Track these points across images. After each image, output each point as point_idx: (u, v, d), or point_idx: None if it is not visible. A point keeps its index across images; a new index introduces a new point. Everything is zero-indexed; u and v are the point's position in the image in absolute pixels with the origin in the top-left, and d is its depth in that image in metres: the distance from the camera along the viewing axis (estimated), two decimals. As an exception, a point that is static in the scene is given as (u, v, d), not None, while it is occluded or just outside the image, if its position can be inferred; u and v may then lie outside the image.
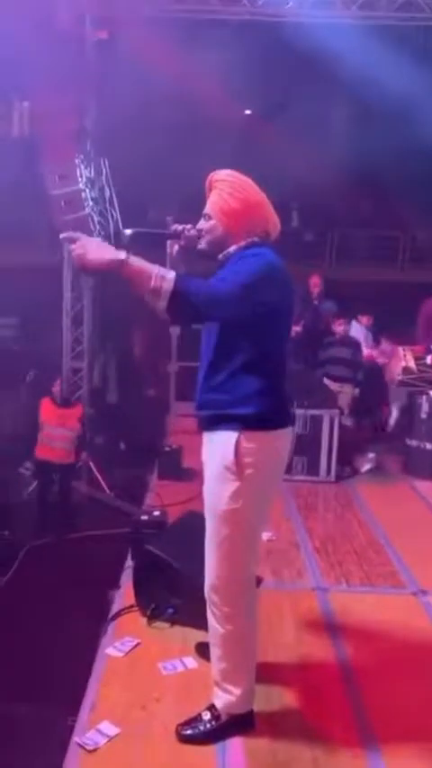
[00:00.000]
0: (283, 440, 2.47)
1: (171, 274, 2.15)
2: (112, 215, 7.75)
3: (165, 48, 8.63)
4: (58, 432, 7.28)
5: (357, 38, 7.71)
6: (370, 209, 13.74)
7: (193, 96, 10.66)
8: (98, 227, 7.61)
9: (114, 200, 7.79)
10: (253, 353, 2.36)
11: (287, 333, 2.55)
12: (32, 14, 7.06)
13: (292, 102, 10.96)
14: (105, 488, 7.93)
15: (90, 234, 7.56)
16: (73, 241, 2.18)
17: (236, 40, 9.12)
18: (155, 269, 2.15)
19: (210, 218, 2.45)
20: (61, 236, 2.25)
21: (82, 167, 7.36)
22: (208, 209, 2.46)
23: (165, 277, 2.13)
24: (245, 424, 2.35)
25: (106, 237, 7.68)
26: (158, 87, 10.58)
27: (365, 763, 2.45)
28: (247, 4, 7.55)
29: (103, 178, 7.77)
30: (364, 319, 8.11)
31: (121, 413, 9.84)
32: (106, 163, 7.80)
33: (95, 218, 7.55)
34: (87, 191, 7.40)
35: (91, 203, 7.46)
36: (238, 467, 2.35)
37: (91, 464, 8.14)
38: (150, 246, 2.51)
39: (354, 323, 7.89)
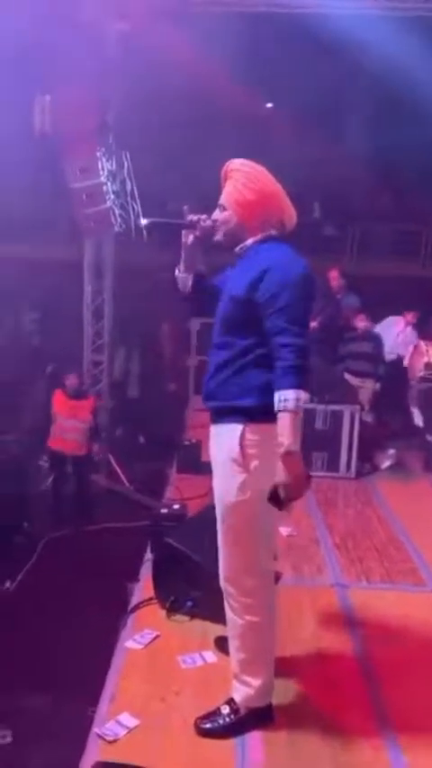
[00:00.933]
0: None
1: (292, 395, 2.20)
2: (133, 208, 7.74)
3: (185, 40, 8.60)
4: (69, 423, 7.35)
5: (380, 29, 7.60)
6: (392, 204, 13.60)
7: (214, 89, 10.62)
8: (119, 220, 7.61)
9: (136, 192, 7.78)
10: (263, 348, 2.35)
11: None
12: (54, 8, 7.07)
13: (313, 93, 10.86)
14: (125, 481, 7.97)
15: (110, 227, 7.58)
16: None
17: (256, 32, 9.06)
18: (291, 417, 2.20)
19: (224, 208, 2.44)
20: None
21: (103, 160, 7.36)
22: (223, 199, 2.45)
23: (299, 399, 2.20)
24: (249, 416, 2.36)
25: (127, 230, 7.69)
26: (179, 80, 10.56)
27: (385, 758, 2.43)
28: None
29: (125, 171, 7.77)
30: (410, 316, 7.96)
31: (142, 406, 9.88)
32: (128, 156, 7.79)
33: (116, 212, 7.56)
34: (109, 184, 7.40)
35: (112, 196, 7.46)
36: (243, 459, 2.36)
37: (110, 457, 8.19)
38: (166, 236, 2.51)
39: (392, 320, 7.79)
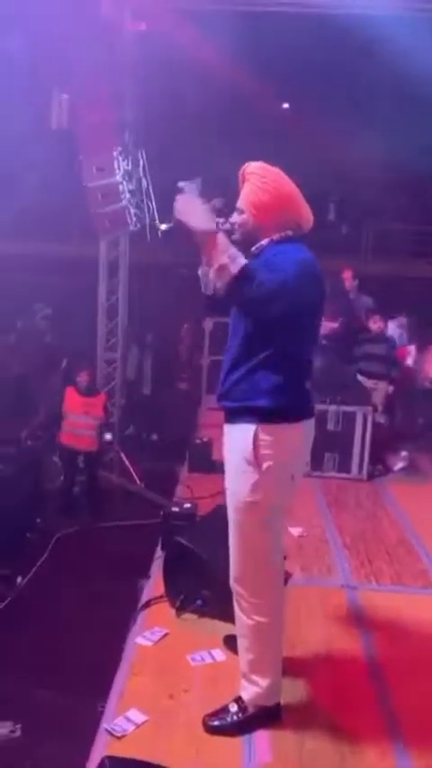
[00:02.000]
0: (301, 432, 2.47)
1: (241, 259, 2.24)
2: (148, 207, 7.76)
3: (203, 40, 8.61)
4: (82, 420, 7.42)
5: (397, 27, 7.56)
6: (408, 204, 13.54)
7: (231, 89, 10.62)
8: (134, 219, 7.64)
9: (151, 192, 7.80)
10: (276, 349, 2.37)
11: (314, 330, 2.54)
12: (73, 8, 7.10)
13: (330, 93, 10.84)
14: (136, 479, 8.01)
15: (126, 226, 7.62)
16: (180, 191, 2.32)
17: (273, 32, 9.04)
18: (233, 250, 2.24)
19: (242, 211, 2.45)
20: (180, 184, 2.39)
21: (120, 159, 7.39)
22: (240, 202, 2.46)
23: (236, 260, 2.22)
24: (262, 417, 2.37)
25: (142, 229, 7.72)
26: (196, 80, 10.57)
27: (392, 760, 2.44)
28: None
29: (141, 170, 7.79)
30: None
31: (154, 405, 9.91)
32: (144, 155, 7.81)
33: (132, 211, 7.58)
34: (125, 183, 7.43)
35: (128, 195, 7.48)
36: (256, 459, 2.37)
37: (122, 455, 8.22)
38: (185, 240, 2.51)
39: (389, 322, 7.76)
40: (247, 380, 2.40)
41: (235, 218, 2.47)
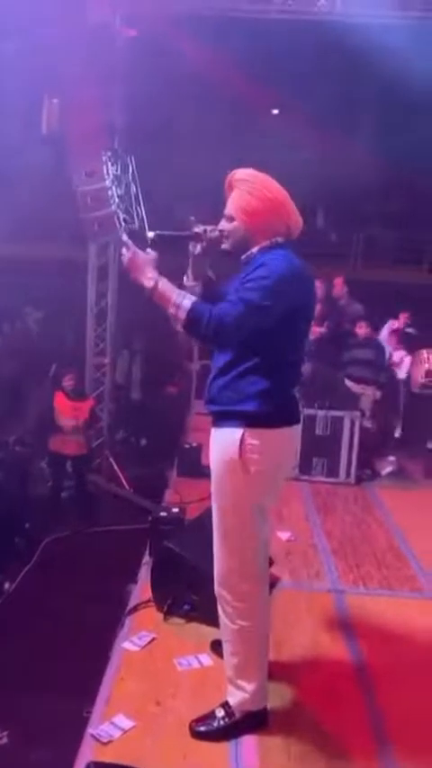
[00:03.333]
0: (287, 437, 2.48)
1: (187, 303, 2.29)
2: (137, 212, 7.77)
3: (193, 46, 8.65)
4: (71, 424, 7.40)
5: (389, 33, 7.61)
6: (397, 211, 13.64)
7: (221, 94, 10.67)
8: (123, 224, 7.64)
9: (140, 197, 7.81)
10: (264, 355, 2.38)
11: (302, 335, 2.54)
12: (63, 12, 7.11)
13: (321, 99, 10.90)
14: (125, 484, 7.98)
15: (115, 231, 7.61)
16: (127, 247, 2.38)
17: (263, 38, 9.09)
18: (175, 297, 2.31)
19: (232, 218, 2.45)
20: (124, 237, 2.46)
21: (109, 164, 7.39)
22: (229, 209, 2.46)
23: (180, 306, 2.29)
24: (249, 421, 2.37)
25: (131, 235, 7.72)
26: (186, 85, 10.61)
27: (379, 763, 2.44)
28: (277, 2, 7.51)
29: (130, 175, 7.79)
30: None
31: (143, 410, 9.90)
32: (133, 160, 7.82)
33: (121, 216, 7.58)
34: (114, 188, 7.42)
35: (117, 200, 7.48)
36: (242, 463, 2.37)
37: (111, 460, 8.20)
38: (174, 247, 2.52)
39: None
40: (234, 385, 2.41)
41: (223, 225, 2.47)
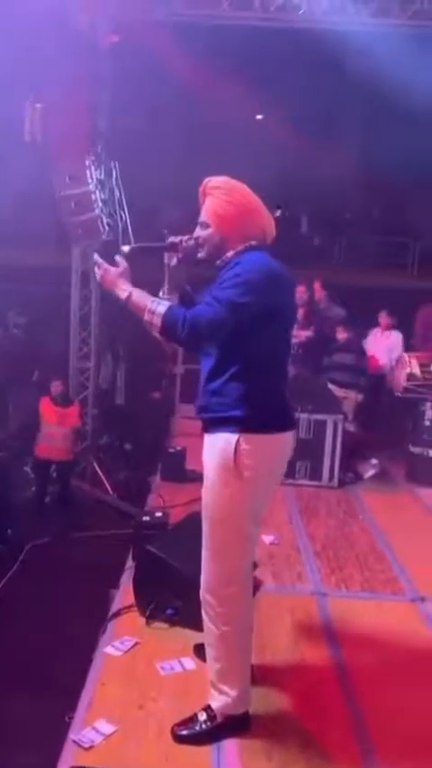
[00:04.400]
0: (282, 443, 2.49)
1: (161, 308, 2.32)
2: (121, 217, 7.78)
3: (176, 51, 8.68)
4: (58, 430, 7.38)
5: (370, 41, 7.70)
6: (379, 215, 13.76)
7: (205, 100, 10.71)
8: (107, 228, 7.65)
9: (124, 201, 7.83)
10: (251, 357, 2.38)
11: (286, 335, 2.56)
12: (46, 17, 7.11)
13: (304, 106, 10.99)
14: (108, 489, 7.97)
15: (99, 235, 7.62)
16: (98, 265, 2.44)
17: (248, 45, 9.16)
18: (150, 304, 2.35)
19: (207, 225, 2.47)
20: (95, 257, 2.51)
21: (93, 169, 7.40)
22: (203, 216, 2.48)
23: (155, 312, 2.33)
24: (244, 426, 2.37)
25: (115, 238, 7.73)
26: (170, 90, 10.64)
27: (361, 766, 2.45)
28: (259, 9, 7.57)
29: (113, 180, 7.81)
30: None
31: (127, 414, 9.88)
32: (116, 165, 7.84)
33: (104, 220, 7.59)
34: (97, 192, 7.44)
35: (101, 205, 7.49)
36: (236, 468, 2.37)
37: (95, 464, 8.18)
38: (149, 258, 2.55)
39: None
40: (224, 390, 2.41)
41: (198, 232, 2.49)
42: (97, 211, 7.44)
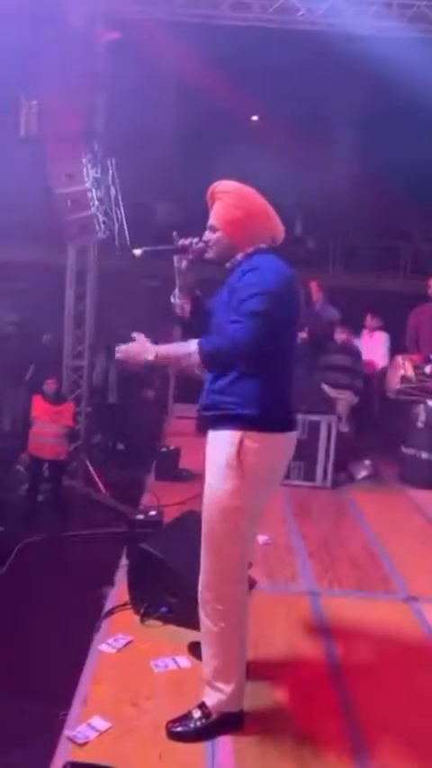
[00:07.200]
0: (285, 443, 2.51)
1: (193, 346, 2.31)
2: (117, 215, 7.78)
3: (174, 51, 8.68)
4: (50, 428, 7.37)
5: (368, 43, 7.72)
6: (374, 218, 13.79)
7: (201, 100, 10.72)
8: (103, 226, 7.64)
9: (120, 200, 7.83)
10: (259, 357, 2.38)
11: (293, 337, 2.58)
12: (43, 14, 7.11)
13: (299, 108, 11.01)
14: (101, 488, 7.96)
15: (94, 234, 7.61)
16: (118, 351, 2.45)
17: (244, 45, 9.17)
18: (179, 349, 2.34)
19: (216, 229, 2.50)
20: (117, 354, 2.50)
21: (89, 167, 7.39)
22: (213, 220, 2.51)
23: (189, 352, 2.31)
24: (249, 424, 2.39)
25: (110, 237, 7.73)
26: (167, 89, 10.64)
27: (353, 765, 2.46)
28: (258, 10, 7.58)
29: (110, 178, 7.80)
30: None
31: (120, 413, 9.87)
32: (113, 163, 7.83)
33: (100, 218, 7.59)
34: (94, 190, 7.43)
35: (97, 203, 7.49)
36: (240, 465, 2.38)
37: (88, 463, 8.17)
38: (159, 260, 2.56)
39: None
40: (232, 390, 2.42)
41: (207, 236, 2.52)
42: (93, 210, 7.44)
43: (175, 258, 2.58)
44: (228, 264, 2.49)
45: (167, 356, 2.38)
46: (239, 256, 2.47)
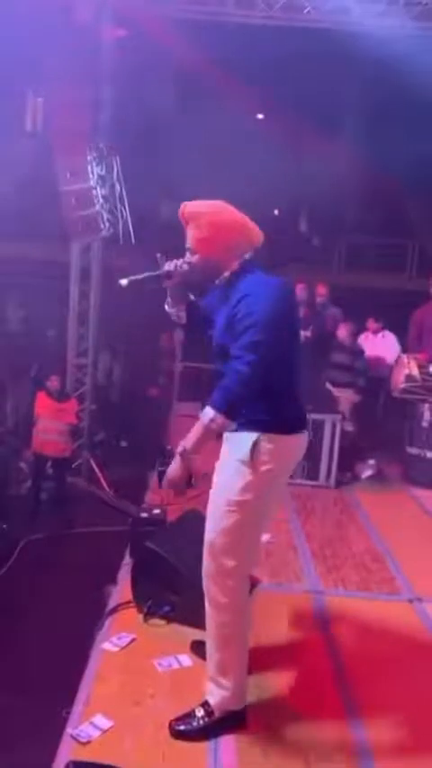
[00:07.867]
0: (298, 443, 2.56)
1: (208, 410, 2.31)
2: (121, 213, 7.77)
3: (179, 48, 8.66)
4: (53, 425, 7.36)
5: (373, 41, 7.68)
6: (379, 217, 13.76)
7: (206, 97, 10.70)
8: (107, 224, 7.63)
9: (125, 198, 7.81)
10: (270, 365, 2.39)
11: (297, 343, 2.61)
12: (49, 10, 7.10)
13: (305, 106, 10.98)
14: (105, 486, 7.95)
15: (99, 231, 7.60)
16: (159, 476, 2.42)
17: (250, 43, 9.14)
18: (200, 429, 2.34)
19: (194, 252, 2.52)
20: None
21: (94, 164, 7.38)
22: (189, 243, 2.53)
23: (211, 419, 2.31)
24: (267, 427, 2.43)
25: (115, 235, 7.72)
26: (172, 87, 10.62)
27: (358, 764, 2.46)
28: (263, 8, 7.55)
29: (114, 175, 7.79)
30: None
31: (124, 411, 9.87)
32: (118, 160, 7.81)
33: (105, 216, 7.57)
34: (98, 188, 7.42)
35: (101, 201, 7.47)
36: (254, 463, 2.42)
37: (91, 461, 8.17)
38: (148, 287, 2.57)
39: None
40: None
41: (189, 258, 2.55)
42: (98, 207, 7.42)
43: (163, 282, 2.61)
44: (216, 282, 2.53)
45: (197, 440, 2.35)
46: (227, 274, 2.49)
